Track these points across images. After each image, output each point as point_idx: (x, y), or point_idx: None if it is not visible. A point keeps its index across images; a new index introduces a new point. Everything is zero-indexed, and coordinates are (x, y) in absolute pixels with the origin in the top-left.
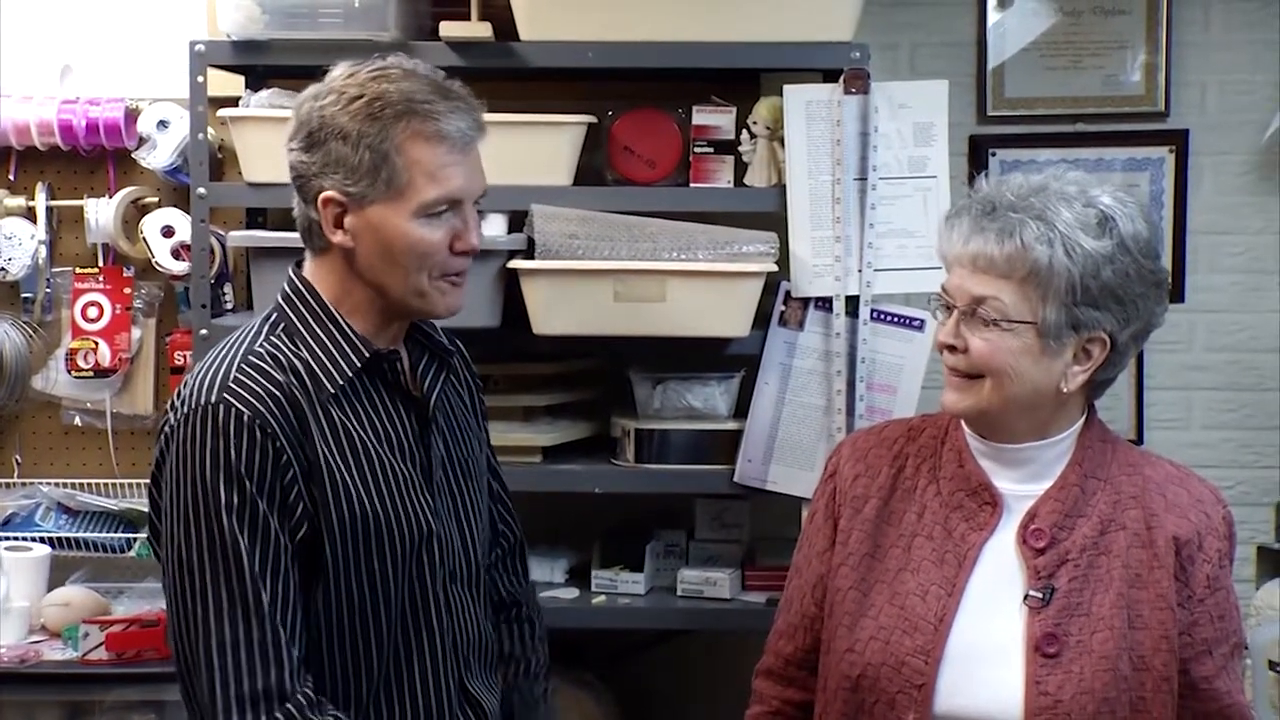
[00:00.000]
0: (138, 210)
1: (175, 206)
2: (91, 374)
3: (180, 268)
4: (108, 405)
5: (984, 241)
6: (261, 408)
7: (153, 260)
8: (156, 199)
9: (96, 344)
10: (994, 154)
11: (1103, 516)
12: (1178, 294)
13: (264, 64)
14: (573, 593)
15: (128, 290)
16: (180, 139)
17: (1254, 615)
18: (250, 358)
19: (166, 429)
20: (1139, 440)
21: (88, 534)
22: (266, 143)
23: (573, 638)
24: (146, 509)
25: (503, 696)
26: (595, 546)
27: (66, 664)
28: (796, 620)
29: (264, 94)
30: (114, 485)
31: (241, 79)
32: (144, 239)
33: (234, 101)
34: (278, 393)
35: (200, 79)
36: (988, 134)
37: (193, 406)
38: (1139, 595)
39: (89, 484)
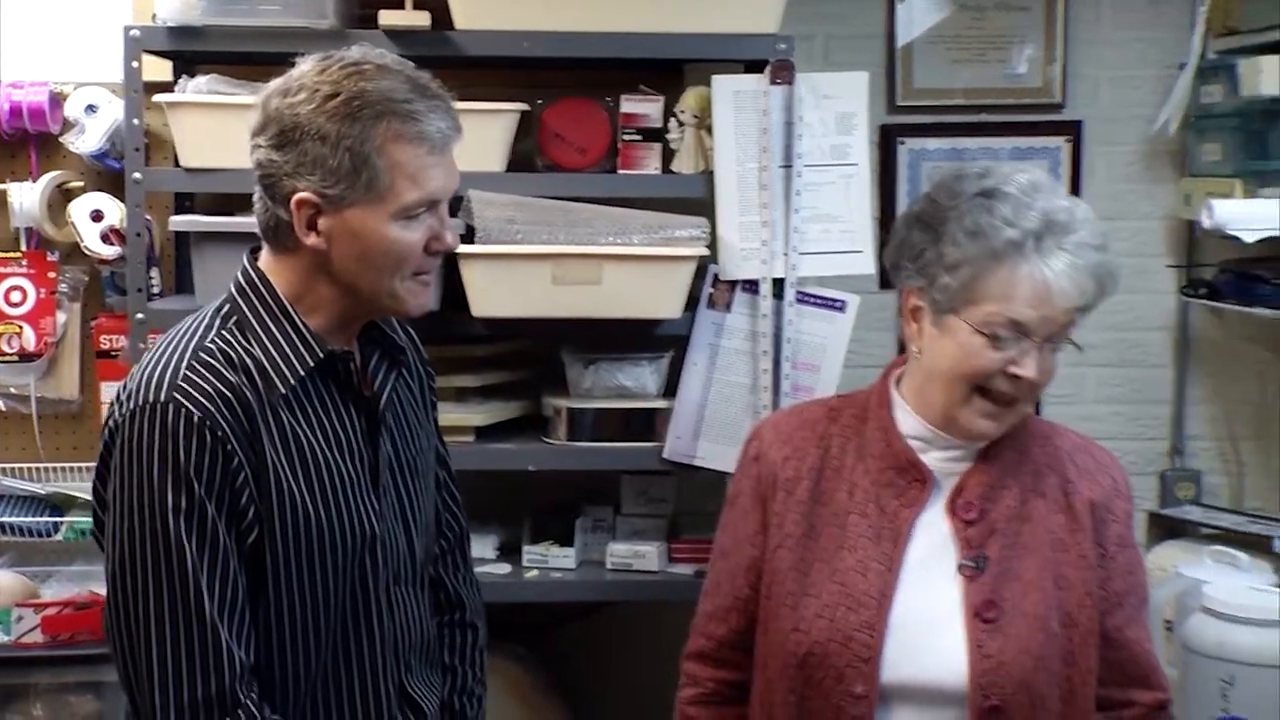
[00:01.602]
0: (62, 195)
1: (102, 191)
2: (16, 358)
3: (109, 252)
4: (32, 390)
5: (1081, 273)
6: (212, 408)
7: (81, 244)
8: (82, 183)
9: (21, 328)
10: (903, 142)
11: (1024, 487)
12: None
13: (201, 50)
14: (505, 568)
15: (52, 275)
16: (109, 123)
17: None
18: (201, 354)
19: (112, 423)
20: (1036, 414)
21: (13, 518)
22: (204, 128)
23: (505, 612)
24: (72, 493)
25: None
26: (526, 523)
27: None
28: (728, 603)
29: (201, 80)
30: (40, 469)
31: (170, 65)
32: (72, 223)
33: (161, 87)
34: (229, 393)
35: (135, 64)
36: (897, 123)
37: (140, 403)
38: (1062, 558)
39: (14, 469)
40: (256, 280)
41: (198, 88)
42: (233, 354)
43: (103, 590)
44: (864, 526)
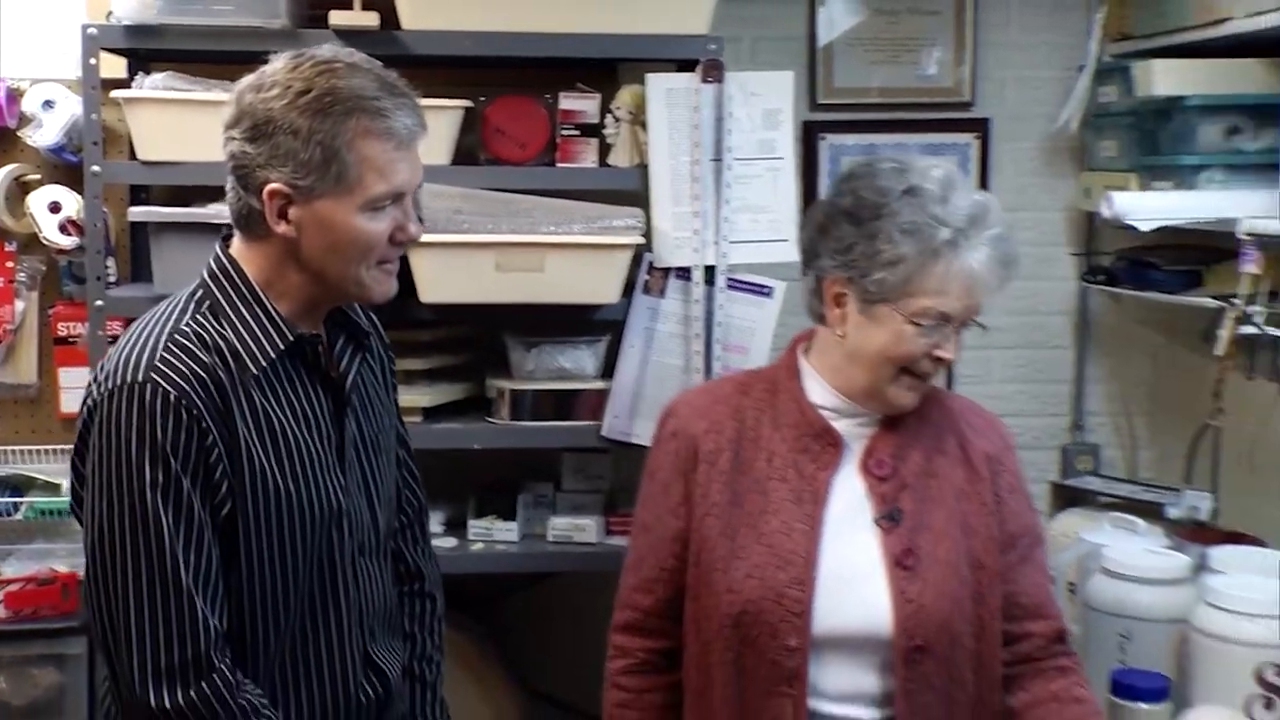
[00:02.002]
0: (20, 187)
1: (59, 183)
2: None
3: (67, 242)
4: None
5: (998, 265)
6: (188, 388)
7: (40, 235)
8: (39, 176)
9: None
10: (824, 138)
11: (927, 445)
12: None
13: (156, 48)
14: (451, 542)
15: (10, 264)
16: (66, 118)
17: (1051, 544)
18: (177, 336)
19: (90, 402)
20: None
21: None
22: (161, 123)
23: (451, 583)
24: (30, 475)
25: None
26: (471, 499)
27: None
28: (654, 574)
29: (159, 77)
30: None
31: (124, 62)
32: (30, 215)
33: (115, 83)
34: (203, 373)
35: (93, 61)
36: (819, 120)
37: (119, 383)
38: (966, 507)
39: None
40: (229, 267)
41: (155, 84)
42: (206, 337)
43: (62, 567)
44: (785, 490)
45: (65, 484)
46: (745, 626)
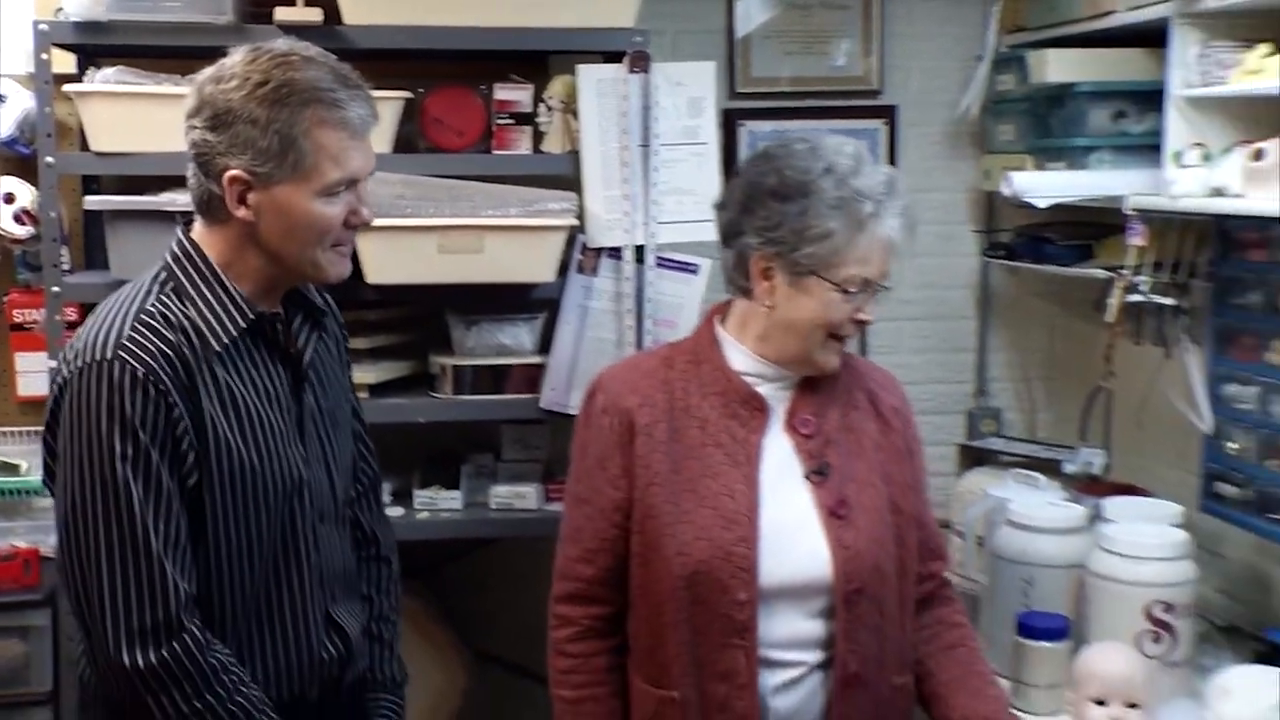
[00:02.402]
0: None
1: (12, 175)
2: None
3: (22, 232)
4: None
5: (907, 231)
6: (155, 365)
7: None
8: None
9: None
10: (743, 124)
11: (842, 402)
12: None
13: (105, 43)
14: (399, 511)
15: None
16: (19, 112)
17: (959, 500)
18: (143, 316)
19: (60, 380)
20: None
21: None
22: (113, 116)
23: (399, 551)
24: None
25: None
26: (416, 470)
27: None
28: (595, 545)
29: (110, 71)
30: None
31: (73, 57)
32: None
33: (64, 78)
34: (169, 351)
35: (44, 56)
36: (738, 108)
37: (88, 360)
38: (883, 457)
39: None
40: (190, 250)
41: (106, 78)
42: (171, 316)
43: (22, 543)
44: (720, 455)
45: (24, 464)
46: (697, 586)
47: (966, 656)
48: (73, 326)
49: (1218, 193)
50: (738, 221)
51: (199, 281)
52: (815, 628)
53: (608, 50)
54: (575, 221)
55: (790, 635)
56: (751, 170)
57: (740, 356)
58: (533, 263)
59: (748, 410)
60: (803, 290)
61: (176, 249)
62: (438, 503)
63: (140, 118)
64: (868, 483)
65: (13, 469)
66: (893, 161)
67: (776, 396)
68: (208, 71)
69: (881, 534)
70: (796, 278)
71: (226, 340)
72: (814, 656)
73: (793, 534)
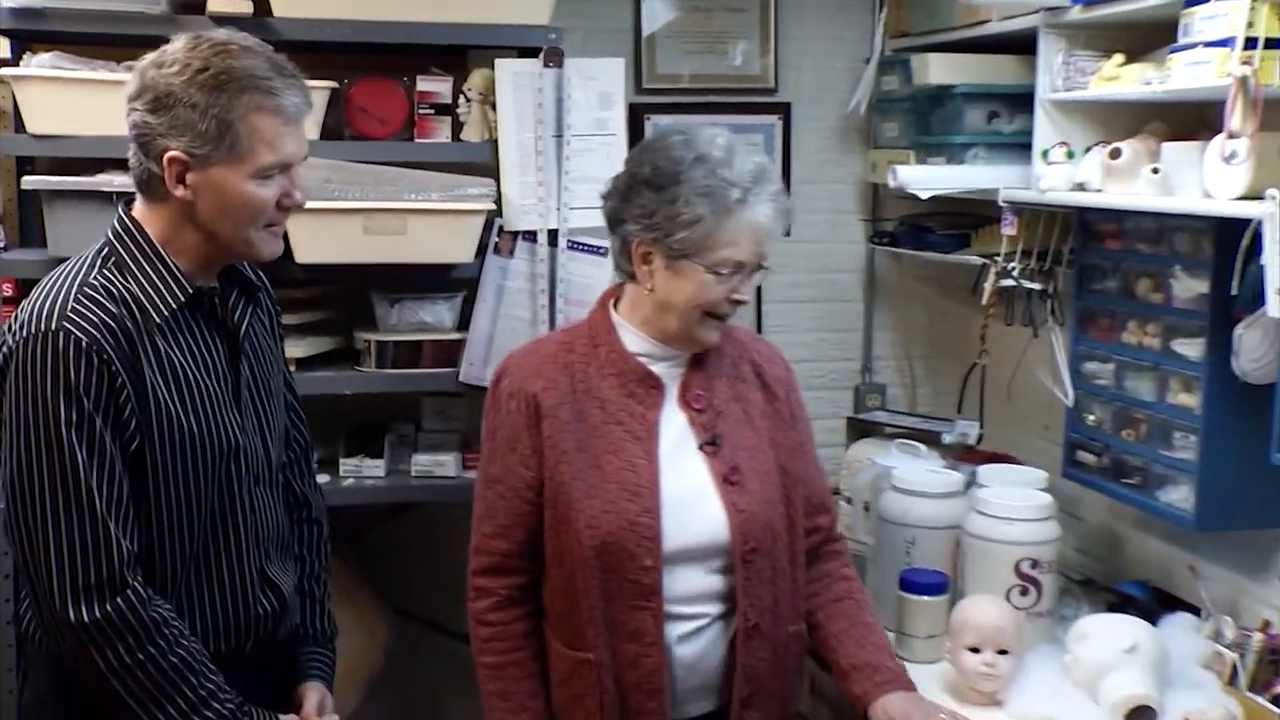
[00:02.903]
0: None
1: None
2: None
3: None
4: None
5: (779, 216)
6: (98, 335)
7: None
8: None
9: None
10: (649, 118)
11: (730, 376)
12: (785, 229)
13: (41, 29)
14: (325, 478)
15: None
16: None
17: (848, 468)
18: (86, 289)
19: (6, 349)
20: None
21: None
22: (50, 99)
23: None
24: None
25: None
26: (341, 439)
27: None
28: (509, 521)
29: (46, 56)
30: None
31: (7, 42)
32: None
33: (0, 62)
34: (111, 322)
35: None
36: (644, 102)
37: (33, 331)
38: (769, 424)
39: None
40: (131, 227)
41: (42, 64)
42: (113, 289)
43: None
44: (621, 432)
45: None
46: (606, 555)
47: (853, 609)
48: (9, 301)
49: (1080, 188)
50: (620, 210)
51: (140, 257)
52: (716, 583)
53: (524, 46)
54: (493, 206)
55: (693, 591)
56: (631, 161)
57: (633, 338)
58: (453, 245)
59: (644, 389)
60: (678, 273)
61: (118, 226)
62: (362, 470)
63: (76, 102)
64: (757, 450)
65: None
66: (786, 155)
67: (669, 374)
68: (150, 57)
69: (772, 496)
70: (672, 261)
71: (167, 313)
72: (716, 609)
73: (692, 501)
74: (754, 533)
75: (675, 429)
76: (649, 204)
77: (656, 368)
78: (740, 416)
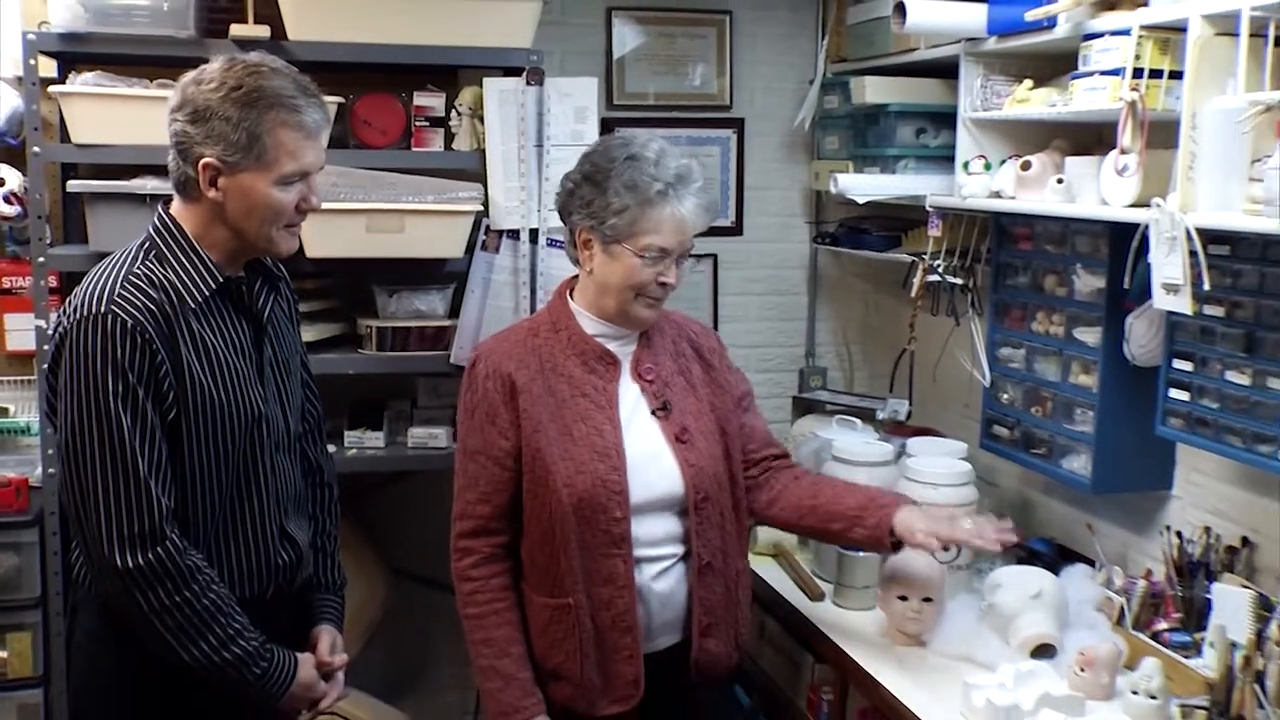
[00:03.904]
0: None
1: (3, 163)
2: None
3: (11, 211)
4: None
5: (701, 211)
6: (141, 318)
7: None
8: None
9: None
10: (618, 130)
11: (672, 352)
12: (739, 230)
13: (84, 51)
14: (331, 448)
15: None
16: (8, 109)
17: (793, 441)
18: (130, 278)
19: (61, 330)
20: (714, 328)
21: None
22: (92, 113)
23: None
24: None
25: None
26: (346, 414)
27: None
28: (490, 487)
29: (89, 75)
30: None
31: (54, 63)
32: None
33: (47, 81)
34: (153, 307)
35: (32, 62)
36: (614, 117)
37: (85, 314)
38: (708, 391)
39: None
40: (170, 224)
41: (85, 82)
42: (154, 278)
43: (12, 474)
44: (586, 403)
45: (13, 408)
46: (582, 509)
47: (825, 479)
48: (54, 292)
49: (996, 195)
50: (567, 203)
51: (177, 250)
52: (675, 527)
53: (508, 66)
54: (480, 208)
55: (656, 537)
56: (579, 162)
57: (588, 321)
58: (445, 242)
59: (603, 365)
60: (612, 256)
61: (158, 222)
62: (364, 442)
63: (114, 115)
64: (700, 413)
65: (3, 412)
66: (740, 165)
67: (622, 351)
68: (191, 74)
69: (716, 452)
70: (606, 245)
71: (200, 299)
72: (678, 549)
73: (650, 459)
74: (703, 484)
75: (631, 398)
76: (587, 195)
77: (611, 345)
78: (684, 386)
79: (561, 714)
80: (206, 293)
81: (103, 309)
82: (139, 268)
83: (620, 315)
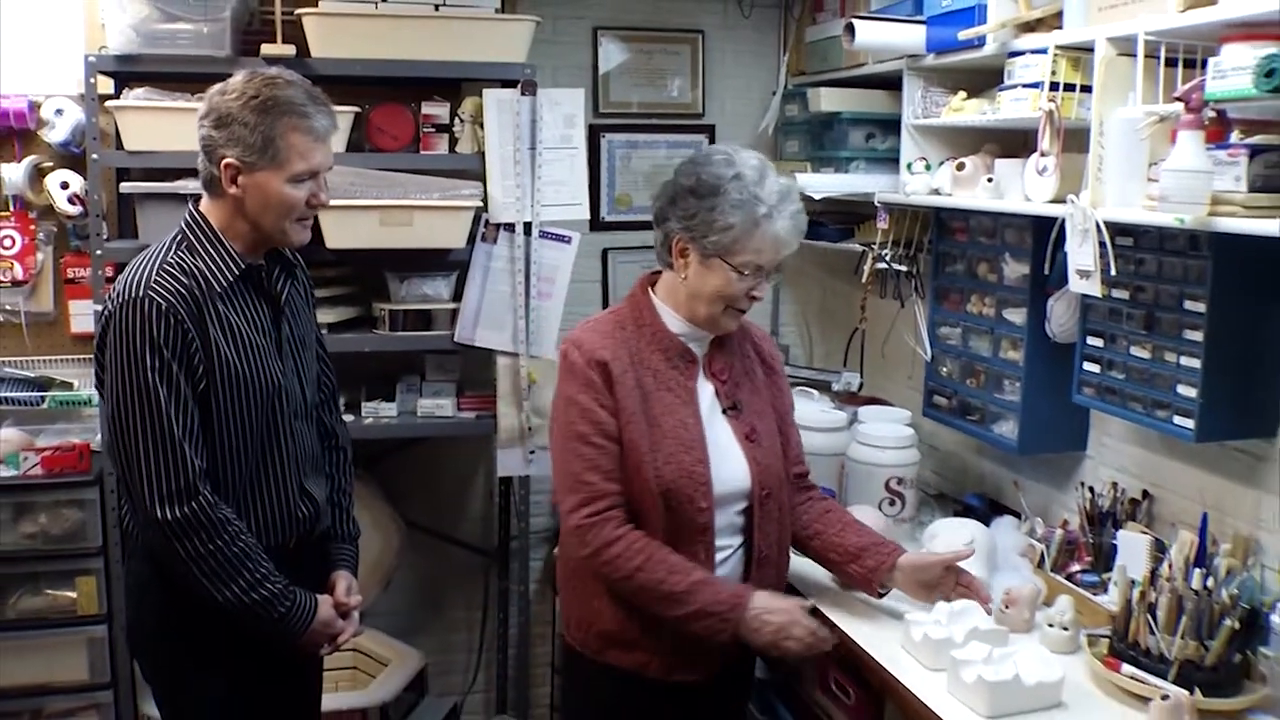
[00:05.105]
0: (39, 172)
1: (67, 168)
2: (10, 285)
3: (74, 210)
4: (21, 306)
5: (797, 231)
6: (175, 301)
7: (54, 206)
8: (52, 164)
9: (12, 264)
10: (604, 136)
11: (739, 354)
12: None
13: (136, 70)
14: (350, 418)
15: (33, 227)
16: (71, 122)
17: None
18: (165, 266)
19: (107, 312)
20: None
21: (12, 394)
22: (143, 123)
23: (351, 446)
24: (51, 376)
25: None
26: (362, 388)
27: (12, 479)
28: (610, 466)
29: (139, 91)
30: (28, 361)
31: (110, 81)
32: (47, 191)
33: (104, 96)
34: (184, 291)
35: (93, 80)
36: (600, 124)
37: (127, 299)
38: (770, 393)
39: (10, 361)
40: (199, 218)
41: (138, 96)
42: (185, 266)
43: (77, 439)
44: (671, 397)
45: (77, 383)
46: (670, 497)
47: (841, 513)
48: (111, 280)
49: (935, 192)
50: (666, 210)
51: (205, 241)
52: (739, 521)
53: (505, 79)
54: (480, 204)
55: (725, 528)
56: (681, 171)
57: (671, 319)
58: (449, 233)
59: (684, 362)
60: (709, 268)
61: (189, 218)
62: (379, 412)
63: (162, 125)
64: (764, 413)
65: (69, 385)
66: None
67: (698, 350)
68: (217, 86)
69: (777, 451)
70: (705, 258)
71: (225, 284)
72: (737, 541)
73: (725, 455)
74: (768, 481)
75: (706, 395)
76: (691, 208)
77: (690, 344)
78: (750, 386)
79: (629, 679)
80: (231, 278)
81: (141, 294)
82: (172, 257)
83: (708, 322)
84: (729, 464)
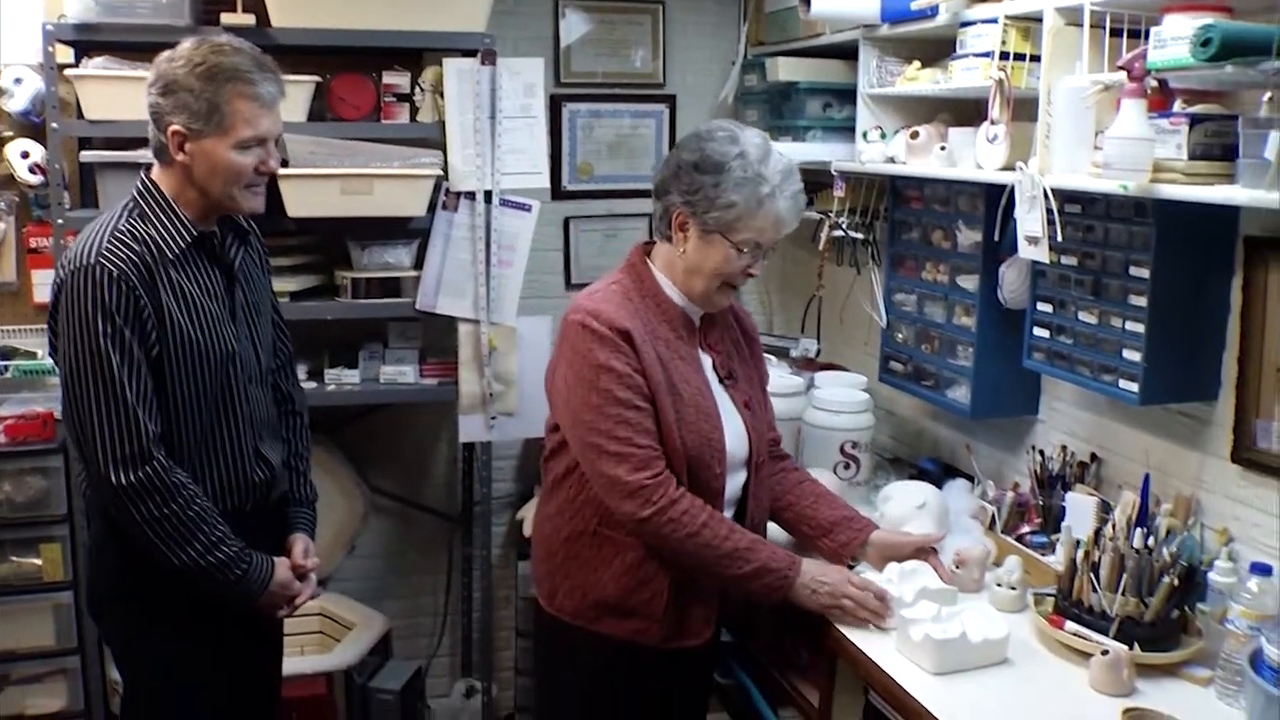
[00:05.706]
0: None
1: (27, 137)
2: None
3: (35, 180)
4: None
5: (797, 210)
6: (126, 268)
7: (15, 175)
8: (12, 133)
9: None
10: (565, 105)
11: (727, 327)
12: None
13: (95, 39)
14: (313, 384)
15: None
16: (30, 91)
17: None
18: (117, 234)
19: (59, 279)
20: None
21: None
22: (101, 93)
23: (315, 414)
24: (14, 346)
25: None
26: (325, 354)
27: None
28: (653, 429)
29: (98, 60)
30: None
31: (70, 50)
32: (8, 160)
33: (63, 65)
34: (136, 258)
35: (51, 49)
36: (561, 94)
37: (79, 265)
38: (753, 365)
39: None
40: (150, 186)
41: (97, 65)
42: (136, 233)
43: (40, 408)
44: (684, 366)
45: (41, 352)
46: (692, 464)
47: (815, 485)
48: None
49: (890, 161)
50: (667, 182)
51: (156, 208)
52: (739, 484)
53: (465, 48)
54: (441, 172)
55: (729, 491)
56: (684, 145)
57: (673, 292)
58: (410, 202)
59: (687, 331)
60: (709, 244)
61: (140, 185)
62: (342, 379)
63: (121, 95)
64: (751, 383)
65: (32, 355)
66: (673, 135)
67: (695, 322)
68: (165, 54)
69: (763, 420)
70: (705, 234)
71: (177, 251)
72: (734, 508)
73: (729, 422)
74: (760, 448)
75: (706, 365)
76: (694, 183)
77: (690, 315)
78: (739, 358)
79: (622, 648)
80: (183, 245)
81: (92, 261)
82: (124, 225)
83: (702, 298)
84: (734, 432)
